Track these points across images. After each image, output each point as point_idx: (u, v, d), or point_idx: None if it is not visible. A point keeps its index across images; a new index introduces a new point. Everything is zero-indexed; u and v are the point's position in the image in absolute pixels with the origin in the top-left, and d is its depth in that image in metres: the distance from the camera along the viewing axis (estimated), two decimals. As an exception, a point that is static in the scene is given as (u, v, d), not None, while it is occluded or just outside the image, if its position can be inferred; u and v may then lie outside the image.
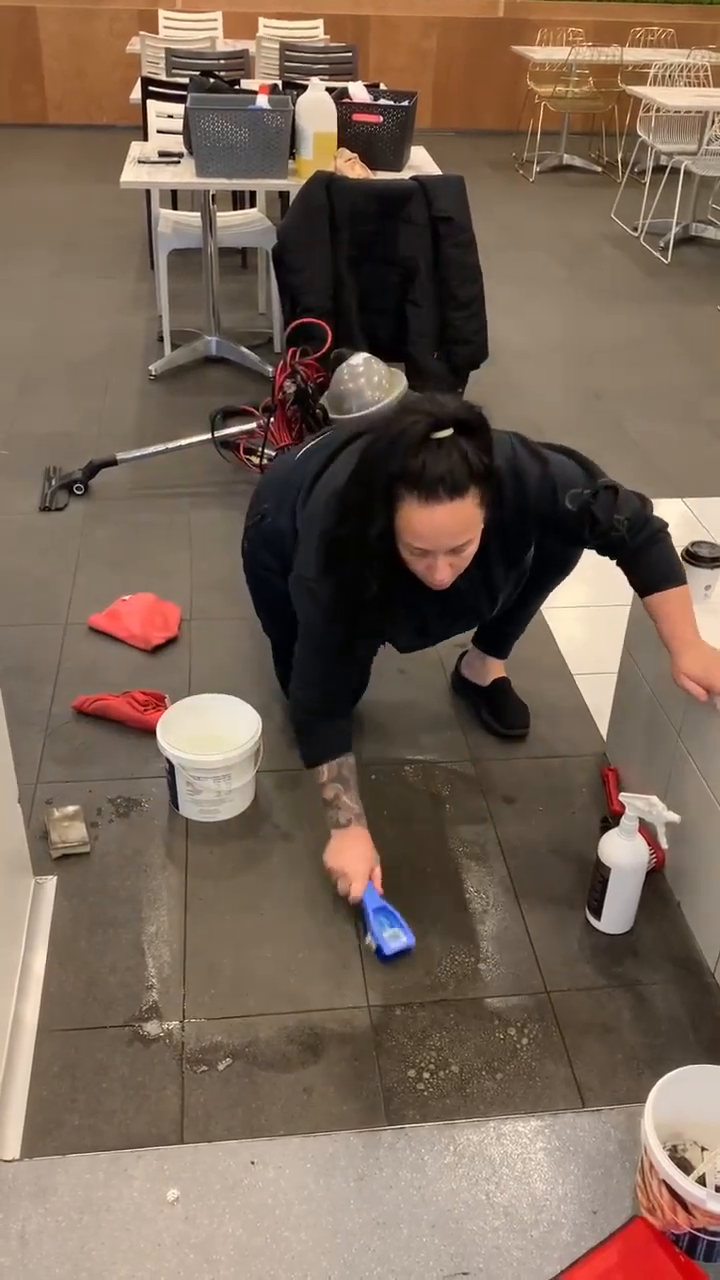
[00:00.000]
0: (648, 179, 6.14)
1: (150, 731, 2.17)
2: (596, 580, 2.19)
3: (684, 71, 6.46)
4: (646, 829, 1.85)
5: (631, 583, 1.90)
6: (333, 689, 1.95)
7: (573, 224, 6.27)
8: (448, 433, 1.57)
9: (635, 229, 6.08)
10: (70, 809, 2.08)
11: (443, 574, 1.69)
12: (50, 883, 1.95)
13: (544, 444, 1.86)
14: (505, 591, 2.02)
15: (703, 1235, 1.39)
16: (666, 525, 1.86)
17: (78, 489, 3.23)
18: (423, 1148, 1.55)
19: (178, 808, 2.11)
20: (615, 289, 5.24)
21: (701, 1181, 1.39)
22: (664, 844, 1.82)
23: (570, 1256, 1.43)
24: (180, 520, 3.13)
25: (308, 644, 1.92)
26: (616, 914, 1.89)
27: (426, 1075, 1.66)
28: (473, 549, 1.70)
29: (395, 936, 1.83)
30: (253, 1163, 1.53)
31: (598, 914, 1.89)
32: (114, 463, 3.28)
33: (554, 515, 1.81)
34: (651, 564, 1.85)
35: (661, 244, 5.76)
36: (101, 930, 1.87)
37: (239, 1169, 1.52)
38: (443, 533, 1.64)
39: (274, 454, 3.02)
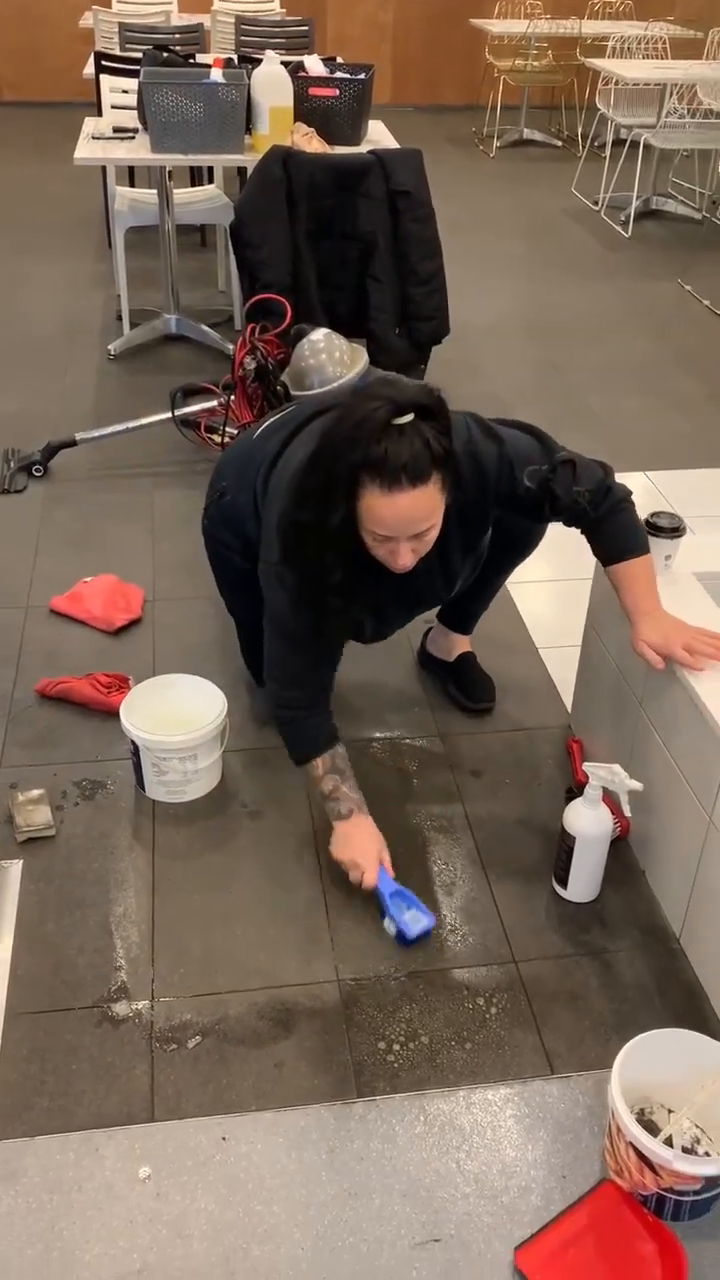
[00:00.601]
0: (608, 153, 6.14)
1: (114, 714, 2.16)
2: (559, 554, 2.20)
3: (642, 44, 6.45)
4: (611, 798, 1.86)
5: (595, 552, 1.90)
6: (312, 682, 1.91)
7: (533, 199, 6.26)
8: (408, 418, 1.56)
9: (596, 203, 6.08)
10: (35, 792, 2.06)
11: (405, 559, 1.68)
12: (16, 866, 1.94)
13: (499, 420, 1.85)
14: (463, 575, 2.01)
15: (669, 1195, 1.41)
16: (630, 494, 1.87)
17: (36, 470, 3.19)
18: (393, 1118, 1.56)
19: (144, 789, 2.10)
20: (576, 263, 5.24)
21: (668, 1143, 1.41)
22: (628, 812, 1.84)
23: (540, 1220, 1.45)
24: (142, 500, 3.11)
25: (277, 632, 1.88)
26: (582, 883, 1.90)
27: (397, 1047, 1.67)
28: (435, 533, 1.69)
29: (415, 919, 1.81)
30: (224, 1138, 1.53)
31: (564, 883, 1.91)
32: (73, 443, 3.24)
33: (513, 494, 1.80)
34: (614, 535, 1.86)
35: (622, 218, 5.77)
36: (69, 913, 1.87)
37: (210, 1145, 1.52)
38: (406, 520, 1.62)
39: (235, 432, 3.00)
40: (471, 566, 2.03)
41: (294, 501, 1.73)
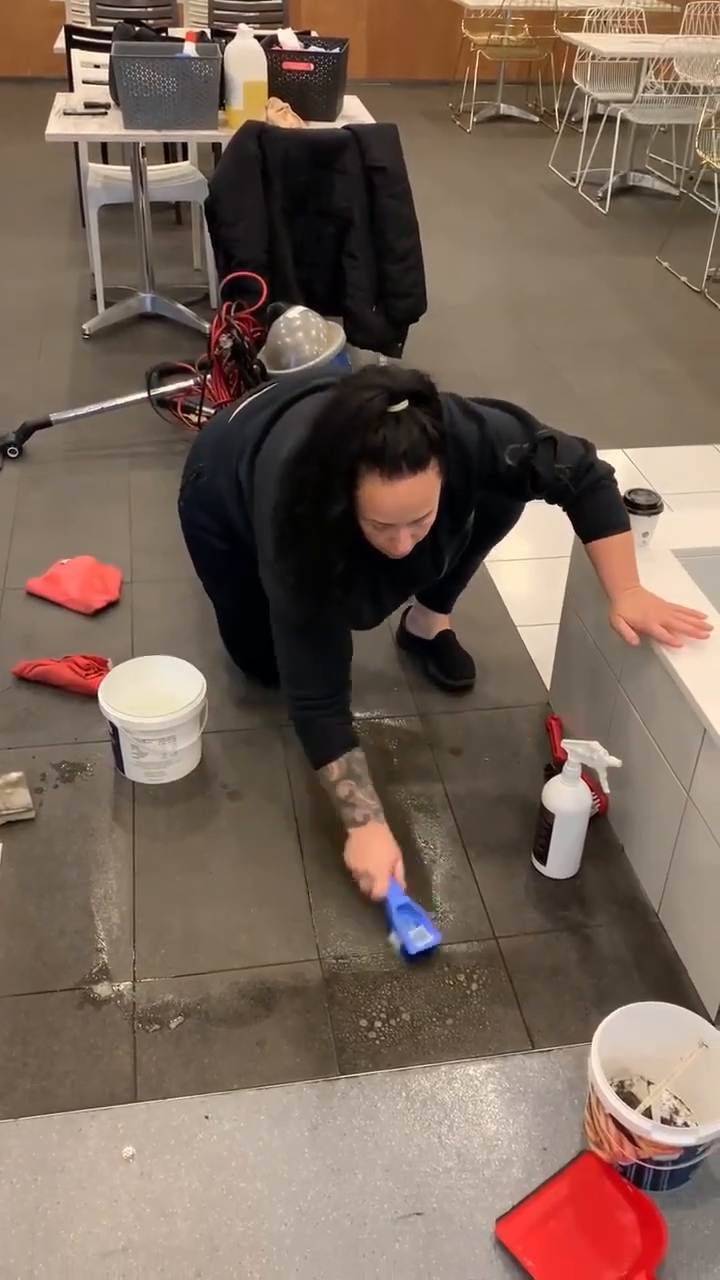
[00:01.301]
0: (585, 128, 6.11)
1: (93, 696, 2.15)
2: (537, 533, 2.20)
3: (618, 17, 6.41)
4: (589, 775, 1.87)
5: (576, 529, 1.91)
6: (325, 676, 1.86)
7: (510, 175, 6.22)
8: (403, 405, 1.54)
9: (573, 179, 6.06)
10: (13, 775, 2.05)
11: (405, 545, 1.67)
12: (-5, 850, 1.94)
13: (478, 400, 1.84)
14: (450, 555, 2.01)
15: (648, 1165, 1.43)
16: (612, 471, 1.87)
17: (12, 452, 3.16)
18: (375, 1095, 1.57)
19: (123, 771, 2.10)
20: (553, 240, 5.22)
21: (647, 1114, 1.43)
22: (606, 789, 1.85)
23: (522, 1192, 1.46)
24: (119, 481, 3.09)
25: (284, 629, 1.84)
26: (562, 859, 1.91)
27: (378, 1024, 1.68)
28: (432, 517, 1.68)
29: (421, 935, 1.77)
30: (207, 1117, 1.54)
31: (543, 860, 1.92)
32: (48, 424, 3.21)
33: (495, 473, 1.80)
34: (594, 511, 1.86)
35: (599, 194, 5.74)
36: (49, 895, 1.86)
37: (193, 1124, 1.53)
38: (407, 506, 1.61)
39: (212, 411, 2.98)
40: (458, 547, 2.03)
41: (290, 494, 1.69)
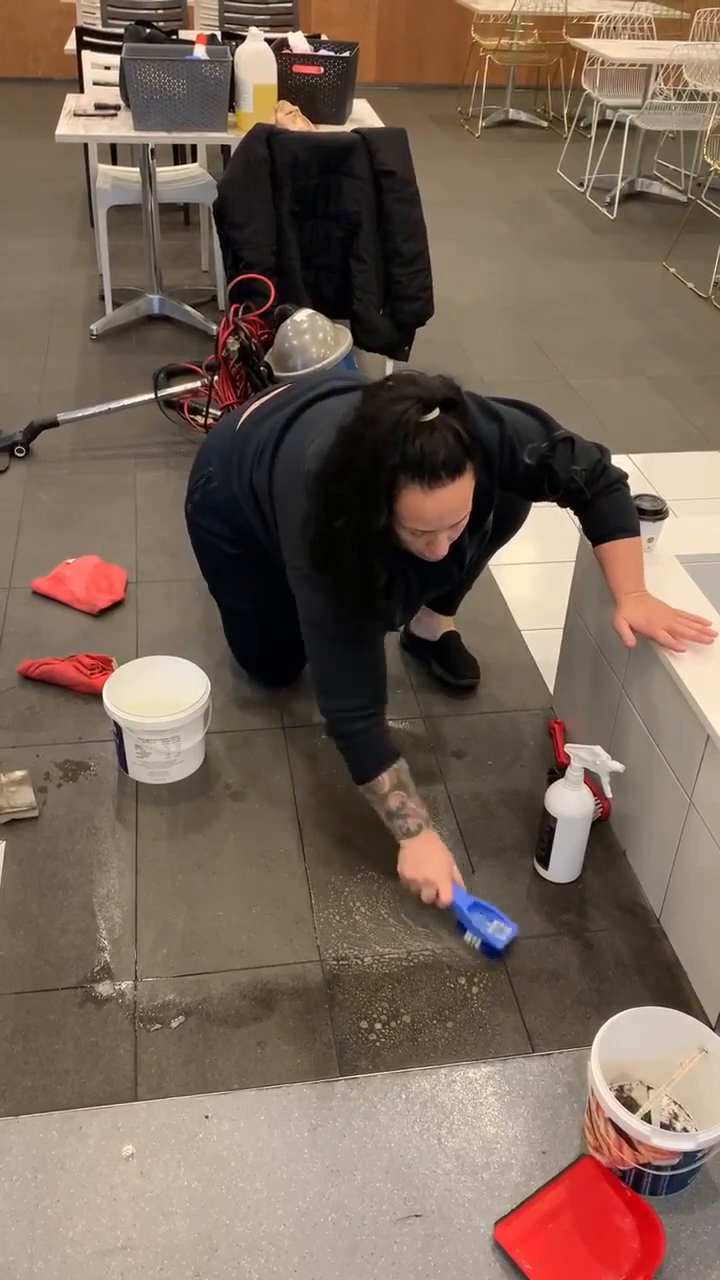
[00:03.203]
0: (593, 134, 6.11)
1: (97, 695, 2.15)
2: (542, 537, 2.21)
3: (628, 24, 6.42)
4: (592, 779, 1.87)
5: (586, 531, 1.91)
6: (368, 684, 1.83)
7: (518, 180, 6.23)
8: (436, 413, 1.55)
9: (581, 184, 6.06)
10: (18, 774, 2.06)
11: (443, 548, 1.67)
12: (-2, 848, 1.94)
13: (496, 399, 1.85)
14: (471, 553, 2.01)
15: (647, 1170, 1.43)
16: (625, 476, 1.87)
17: (19, 451, 3.17)
18: (375, 1096, 1.58)
19: (127, 771, 2.10)
20: (561, 245, 5.23)
21: (646, 1119, 1.43)
22: (609, 793, 1.85)
23: (520, 1195, 1.46)
24: (124, 481, 3.09)
25: (321, 636, 1.81)
26: (564, 863, 1.91)
27: (379, 1026, 1.68)
28: (467, 518, 1.68)
29: (500, 930, 1.78)
30: (207, 1117, 1.54)
31: (545, 864, 1.92)
32: (55, 424, 3.22)
33: (514, 473, 1.81)
34: (605, 514, 1.87)
35: (607, 199, 5.75)
36: (51, 893, 1.87)
37: (193, 1123, 1.53)
38: (448, 513, 1.61)
39: (219, 413, 2.98)
40: (478, 545, 2.03)
41: (327, 509, 1.66)
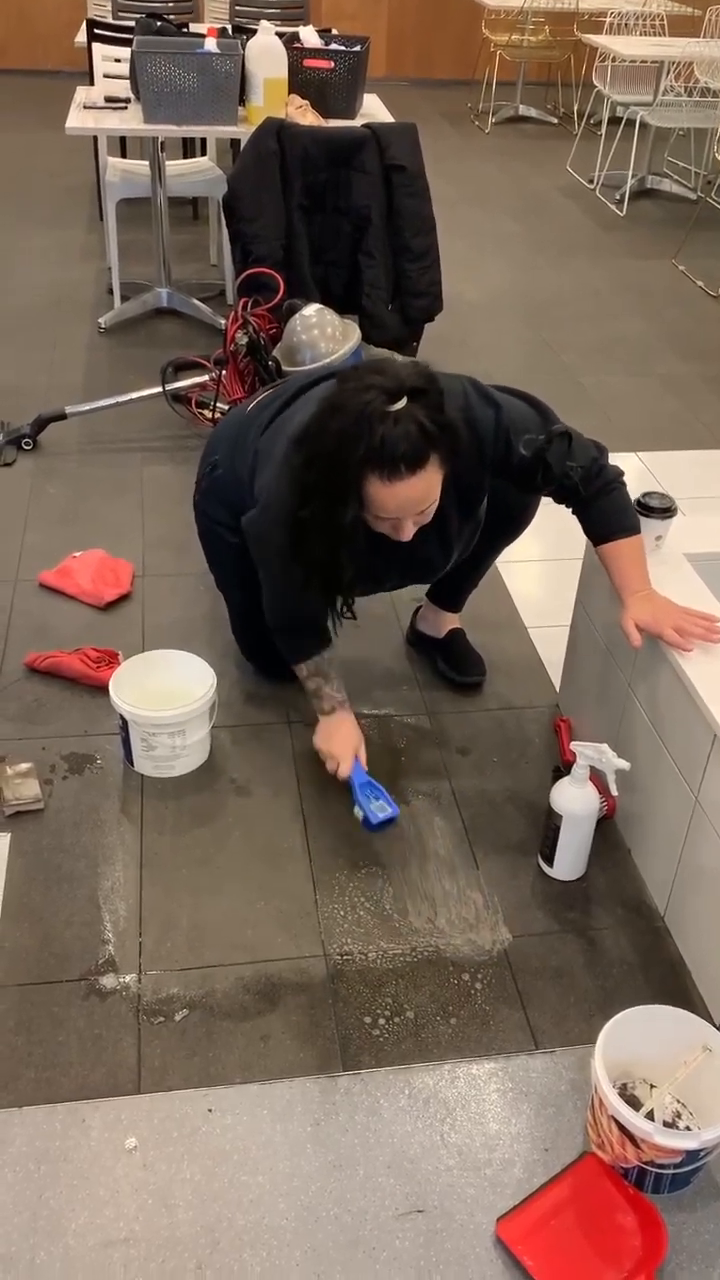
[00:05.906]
0: (603, 130, 6.09)
1: (103, 688, 2.15)
2: (549, 534, 2.20)
3: (639, 20, 6.40)
4: (597, 777, 1.87)
5: (586, 531, 1.91)
6: (304, 614, 1.96)
7: (528, 176, 6.22)
8: (402, 403, 1.56)
9: (591, 181, 6.04)
10: (23, 766, 2.06)
11: (409, 532, 1.72)
12: (3, 840, 1.94)
13: (497, 387, 1.85)
14: (460, 543, 2.01)
15: (650, 1168, 1.43)
16: (622, 475, 1.87)
17: (26, 444, 3.17)
18: (378, 1092, 1.58)
19: (132, 764, 2.10)
20: (570, 242, 5.21)
21: (650, 1117, 1.43)
22: (614, 791, 1.85)
23: (523, 1192, 1.46)
24: (132, 475, 3.09)
25: (269, 573, 1.94)
26: (568, 861, 1.91)
27: (382, 1021, 1.68)
28: (435, 504, 1.71)
29: (381, 808, 1.93)
30: (210, 1110, 1.54)
31: (550, 861, 1.92)
32: (63, 417, 3.22)
33: (507, 461, 1.81)
34: (605, 514, 1.86)
35: (617, 196, 5.73)
36: (56, 886, 1.87)
37: (197, 1116, 1.53)
38: (408, 503, 1.65)
39: (226, 407, 2.98)
40: (470, 535, 2.03)
41: (296, 498, 1.72)
